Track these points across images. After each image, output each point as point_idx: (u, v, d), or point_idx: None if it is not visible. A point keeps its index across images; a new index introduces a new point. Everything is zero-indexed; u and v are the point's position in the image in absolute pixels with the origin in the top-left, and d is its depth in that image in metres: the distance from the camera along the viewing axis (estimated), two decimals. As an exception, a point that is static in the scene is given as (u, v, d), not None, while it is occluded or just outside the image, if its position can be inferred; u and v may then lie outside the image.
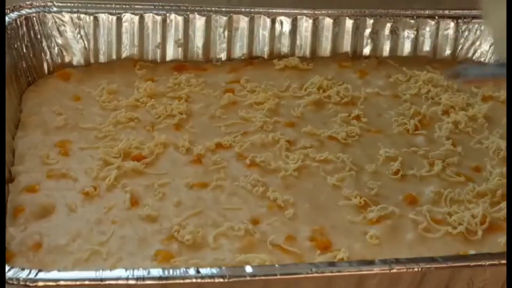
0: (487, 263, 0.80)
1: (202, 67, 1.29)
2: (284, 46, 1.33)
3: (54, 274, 0.75)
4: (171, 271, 0.76)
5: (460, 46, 1.37)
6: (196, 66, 1.29)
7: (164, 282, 0.75)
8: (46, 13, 1.24)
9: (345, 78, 1.27)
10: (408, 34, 1.36)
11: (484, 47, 1.36)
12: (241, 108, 1.17)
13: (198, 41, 1.30)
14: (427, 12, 1.36)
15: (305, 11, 1.32)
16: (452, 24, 1.36)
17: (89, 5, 1.26)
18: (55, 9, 1.25)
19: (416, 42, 1.36)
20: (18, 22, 1.20)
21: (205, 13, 1.29)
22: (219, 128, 1.12)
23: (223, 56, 1.32)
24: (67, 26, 1.25)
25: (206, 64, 1.30)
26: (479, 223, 0.94)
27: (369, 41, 1.35)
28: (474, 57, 1.37)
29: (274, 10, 1.32)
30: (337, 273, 0.78)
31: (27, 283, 0.74)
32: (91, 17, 1.26)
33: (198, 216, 0.93)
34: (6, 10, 1.19)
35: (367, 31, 1.35)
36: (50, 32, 1.25)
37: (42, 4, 1.24)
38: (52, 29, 1.25)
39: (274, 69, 1.29)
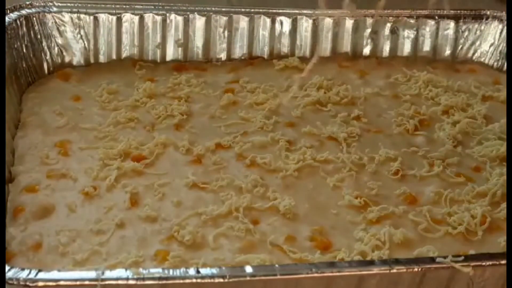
0: (487, 263, 0.80)
1: (202, 67, 1.29)
2: (284, 46, 1.33)
3: (54, 274, 0.75)
4: (171, 271, 0.76)
5: (460, 46, 1.37)
6: (196, 66, 1.29)
7: (164, 282, 0.75)
8: (46, 13, 1.24)
9: (345, 78, 1.27)
10: (408, 34, 1.36)
11: (484, 47, 1.36)
12: (241, 108, 1.17)
13: (198, 41, 1.30)
14: (427, 12, 1.36)
15: (305, 11, 1.32)
16: (452, 24, 1.36)
17: (89, 5, 1.26)
18: (55, 9, 1.25)
19: (416, 42, 1.36)
20: (18, 22, 1.21)
21: (205, 13, 1.29)
22: (219, 128, 1.12)
23: (223, 56, 1.32)
24: (67, 26, 1.25)
25: (206, 64, 1.30)
26: (479, 223, 0.94)
27: (369, 41, 1.35)
28: (474, 57, 1.37)
29: (274, 10, 1.32)
30: (337, 273, 0.78)
31: (27, 283, 0.74)
32: (91, 17, 1.26)
33: (198, 216, 0.93)
34: (6, 10, 1.19)
35: (367, 31, 1.35)
36: (50, 32, 1.25)
37: (42, 4, 1.24)
38: (52, 29, 1.25)
39: (274, 69, 1.29)
